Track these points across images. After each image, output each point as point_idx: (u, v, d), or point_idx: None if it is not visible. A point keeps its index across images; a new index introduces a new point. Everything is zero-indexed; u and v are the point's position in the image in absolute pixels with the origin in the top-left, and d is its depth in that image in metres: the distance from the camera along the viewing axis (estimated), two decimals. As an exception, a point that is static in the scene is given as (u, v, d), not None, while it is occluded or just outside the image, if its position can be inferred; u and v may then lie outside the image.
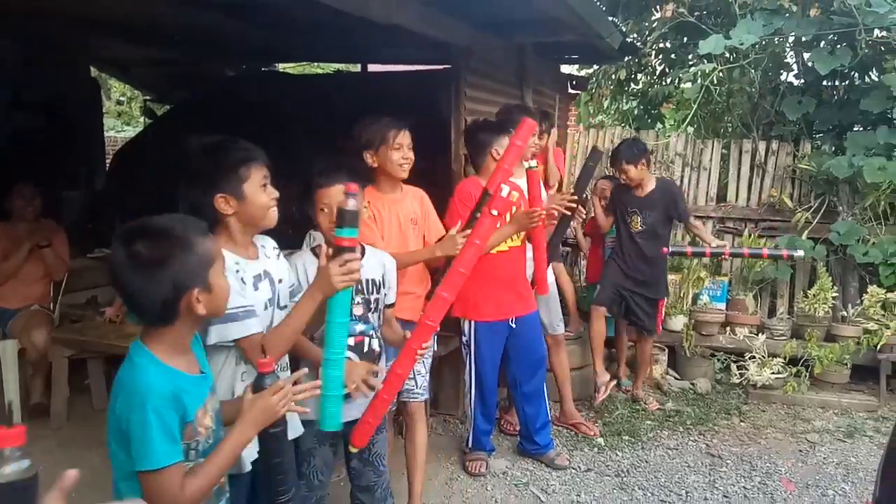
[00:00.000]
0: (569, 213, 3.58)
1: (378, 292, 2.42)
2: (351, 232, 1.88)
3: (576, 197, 3.57)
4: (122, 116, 11.91)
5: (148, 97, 7.49)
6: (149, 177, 5.19)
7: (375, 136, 2.80)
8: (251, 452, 1.78)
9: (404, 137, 2.84)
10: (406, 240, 2.96)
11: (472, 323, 3.43)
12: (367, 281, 2.37)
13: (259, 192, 1.92)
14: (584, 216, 4.61)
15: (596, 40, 4.45)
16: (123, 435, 1.41)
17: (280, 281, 2.08)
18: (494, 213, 2.42)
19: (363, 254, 2.32)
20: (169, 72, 6.75)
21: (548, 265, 3.67)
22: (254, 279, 1.97)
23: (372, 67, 6.74)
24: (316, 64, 8.63)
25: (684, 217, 4.40)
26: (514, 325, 3.48)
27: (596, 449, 3.89)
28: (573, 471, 3.63)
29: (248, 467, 1.87)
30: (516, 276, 3.46)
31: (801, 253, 4.33)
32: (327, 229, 2.21)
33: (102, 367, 4.28)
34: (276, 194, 1.97)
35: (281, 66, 7.62)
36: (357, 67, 6.85)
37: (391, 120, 2.83)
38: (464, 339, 3.48)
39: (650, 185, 4.28)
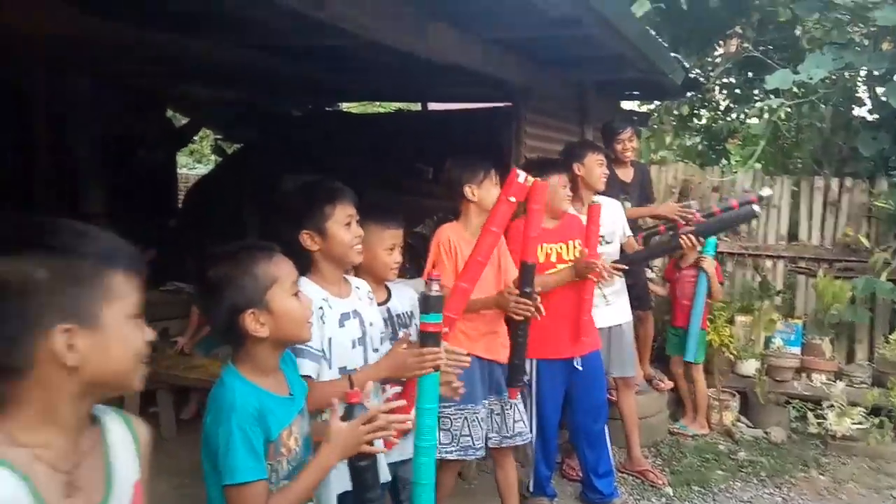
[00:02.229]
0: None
1: (407, 326, 2.41)
2: (435, 318, 1.90)
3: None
4: (194, 154, 12.37)
5: (218, 136, 7.76)
6: (219, 213, 5.35)
7: (479, 170, 2.86)
8: (339, 484, 1.76)
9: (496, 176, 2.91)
10: (486, 280, 2.92)
11: (534, 362, 3.34)
12: (396, 315, 2.37)
13: (342, 229, 1.96)
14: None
15: (658, 76, 4.38)
16: (211, 451, 1.44)
17: (371, 324, 2.09)
18: (512, 199, 2.48)
19: (389, 293, 2.36)
20: (236, 111, 6.96)
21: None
22: (341, 316, 1.98)
23: (431, 105, 6.81)
24: (377, 103, 8.79)
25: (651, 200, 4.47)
26: (579, 367, 3.37)
27: (664, 499, 3.71)
28: (640, 523, 3.47)
29: (334, 501, 1.84)
30: (576, 313, 3.37)
31: (767, 192, 3.97)
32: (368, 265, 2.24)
33: (171, 397, 4.35)
34: (361, 232, 2.01)
35: (343, 105, 7.79)
36: (417, 105, 6.93)
37: (488, 159, 2.93)
38: (525, 378, 3.39)
39: (632, 169, 4.30)
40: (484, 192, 2.86)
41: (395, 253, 2.27)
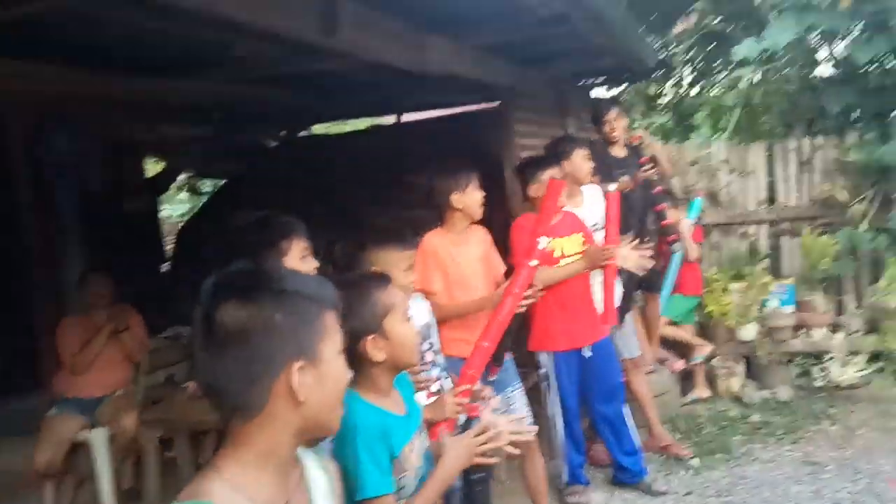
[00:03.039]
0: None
1: (428, 338, 2.51)
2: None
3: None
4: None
5: (191, 175, 7.70)
6: (212, 252, 5.34)
7: (462, 178, 2.91)
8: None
9: (477, 179, 2.96)
10: (477, 278, 3.00)
11: (551, 354, 3.43)
12: (425, 325, 2.47)
13: (298, 264, 2.01)
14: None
15: (632, 62, 4.50)
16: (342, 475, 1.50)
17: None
18: (534, 263, 2.48)
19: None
20: (204, 147, 6.91)
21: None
22: None
23: (405, 117, 6.84)
24: (347, 122, 8.78)
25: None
26: (589, 354, 3.47)
27: (692, 471, 3.83)
28: (675, 495, 3.58)
29: None
30: (584, 303, 3.46)
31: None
32: None
33: (187, 442, 4.34)
34: (316, 264, 2.07)
35: (314, 128, 7.78)
36: (391, 118, 6.96)
37: (469, 164, 2.98)
38: (542, 371, 3.47)
39: (624, 148, 4.25)
40: (468, 198, 2.92)
41: (410, 273, 2.33)
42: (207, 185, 8.62)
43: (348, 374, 1.13)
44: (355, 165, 5.63)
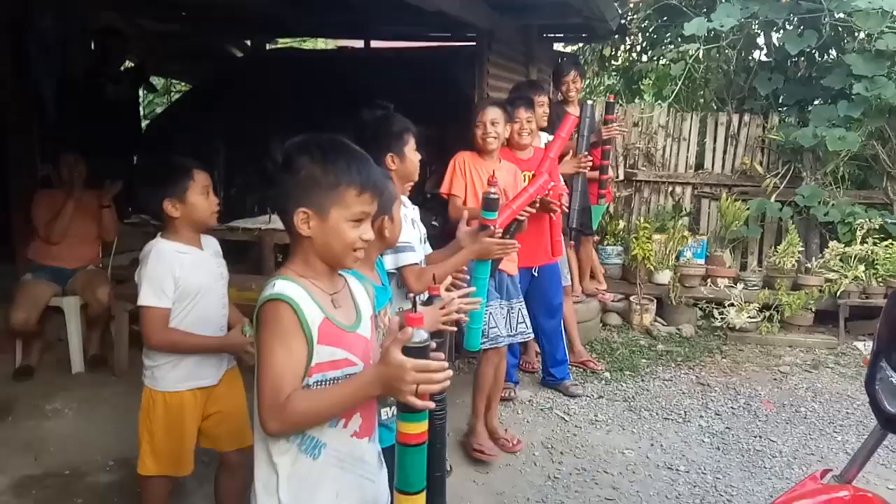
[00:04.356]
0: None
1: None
2: (492, 215, 2.51)
3: (587, 154, 4.11)
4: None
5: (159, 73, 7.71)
6: (181, 150, 5.55)
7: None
8: None
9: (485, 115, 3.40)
10: None
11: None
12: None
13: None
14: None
15: (597, 23, 4.96)
16: None
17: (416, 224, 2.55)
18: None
19: None
20: (173, 45, 6.95)
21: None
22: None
23: (374, 43, 7.10)
24: (318, 40, 8.91)
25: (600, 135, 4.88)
26: (535, 274, 4.00)
27: (604, 381, 4.49)
28: (587, 398, 4.22)
29: None
30: (540, 230, 3.94)
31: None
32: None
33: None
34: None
35: (281, 41, 7.91)
36: (359, 42, 7.20)
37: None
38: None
39: (578, 107, 4.69)
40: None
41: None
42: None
43: (354, 236, 1.49)
44: (326, 84, 5.87)
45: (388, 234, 2.02)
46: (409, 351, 1.35)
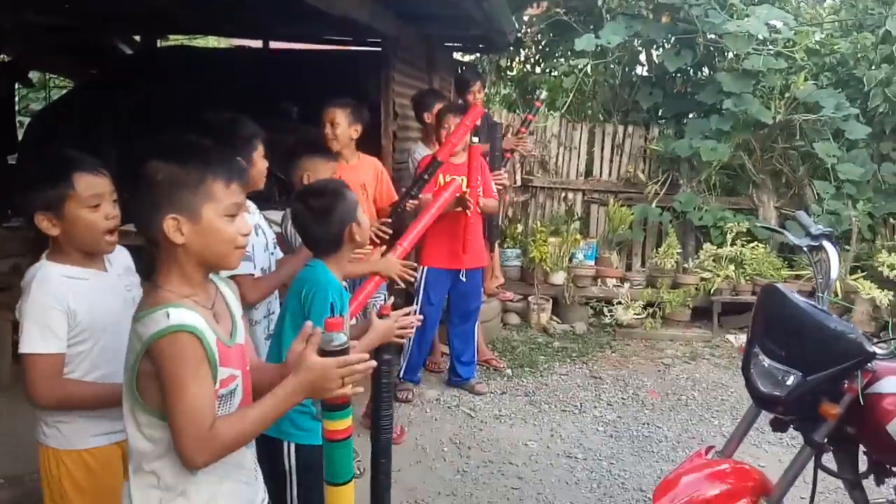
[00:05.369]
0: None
1: None
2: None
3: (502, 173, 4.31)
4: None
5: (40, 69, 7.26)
6: (71, 144, 5.27)
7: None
8: None
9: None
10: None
11: (424, 269, 4.06)
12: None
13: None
14: (505, 184, 5.18)
15: (496, 35, 5.19)
16: (303, 312, 1.98)
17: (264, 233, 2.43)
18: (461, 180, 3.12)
19: None
20: (58, 40, 6.59)
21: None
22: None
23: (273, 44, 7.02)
24: (202, 38, 8.66)
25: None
26: (463, 279, 4.14)
27: (506, 378, 4.70)
28: (491, 395, 4.42)
29: None
30: (468, 232, 3.96)
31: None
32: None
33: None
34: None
35: (172, 38, 7.65)
36: (257, 42, 7.09)
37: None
38: (415, 283, 4.06)
39: None
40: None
41: None
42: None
43: (234, 231, 1.41)
44: (225, 84, 5.76)
45: (358, 238, 2.12)
46: (329, 354, 1.43)
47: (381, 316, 2.05)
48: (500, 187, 4.55)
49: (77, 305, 1.80)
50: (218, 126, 2.20)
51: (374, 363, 1.49)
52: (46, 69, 7.45)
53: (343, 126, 3.47)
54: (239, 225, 1.43)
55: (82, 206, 1.79)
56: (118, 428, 1.75)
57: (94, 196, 1.80)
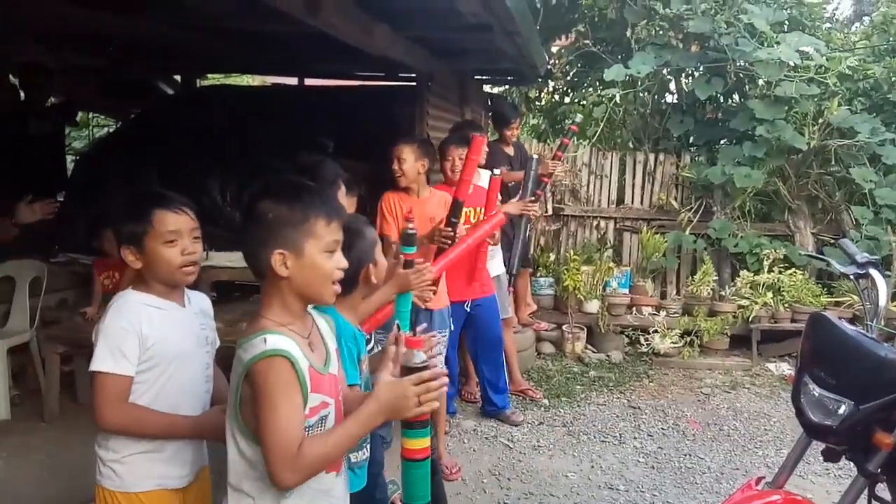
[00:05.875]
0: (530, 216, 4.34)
1: None
2: (411, 249, 2.46)
3: (533, 199, 4.31)
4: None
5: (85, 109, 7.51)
6: (112, 186, 5.44)
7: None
8: None
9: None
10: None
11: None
12: None
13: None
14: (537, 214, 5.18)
15: (526, 68, 5.27)
16: None
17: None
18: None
19: None
20: (102, 80, 6.83)
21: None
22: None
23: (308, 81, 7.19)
24: (241, 76, 8.91)
25: None
26: (468, 310, 4.15)
27: (542, 408, 4.68)
28: (529, 425, 4.39)
29: None
30: (471, 264, 4.00)
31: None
32: None
33: (86, 359, 4.51)
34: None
35: (211, 77, 7.88)
36: (293, 80, 7.27)
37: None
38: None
39: (513, 147, 5.18)
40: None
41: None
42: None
43: (331, 267, 1.53)
44: (263, 120, 5.91)
45: (374, 280, 2.10)
46: (410, 371, 1.51)
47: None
48: (534, 216, 4.57)
49: (150, 331, 1.85)
50: (305, 167, 2.41)
51: (446, 379, 1.54)
52: (92, 109, 7.70)
53: (410, 161, 3.56)
54: (336, 259, 1.54)
55: (160, 241, 1.86)
56: (172, 474, 1.90)
57: (171, 232, 1.87)
